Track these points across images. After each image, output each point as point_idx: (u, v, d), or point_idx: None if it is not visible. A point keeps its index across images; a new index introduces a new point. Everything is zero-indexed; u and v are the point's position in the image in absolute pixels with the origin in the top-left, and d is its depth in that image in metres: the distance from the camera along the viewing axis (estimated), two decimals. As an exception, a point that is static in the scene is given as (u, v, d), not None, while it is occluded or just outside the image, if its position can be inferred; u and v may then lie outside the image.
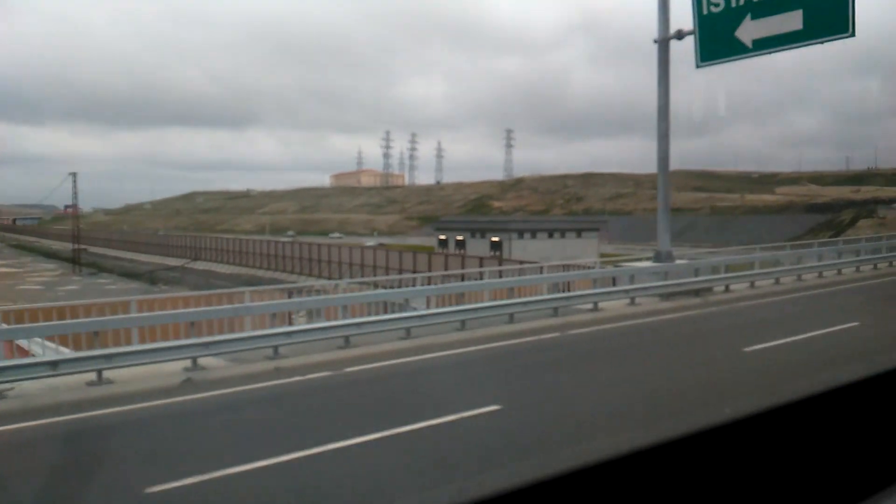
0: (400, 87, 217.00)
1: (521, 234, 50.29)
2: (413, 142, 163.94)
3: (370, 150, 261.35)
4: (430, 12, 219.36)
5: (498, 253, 44.52)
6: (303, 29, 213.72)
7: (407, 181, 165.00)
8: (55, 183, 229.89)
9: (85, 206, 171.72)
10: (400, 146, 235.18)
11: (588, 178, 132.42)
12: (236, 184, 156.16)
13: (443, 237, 60.33)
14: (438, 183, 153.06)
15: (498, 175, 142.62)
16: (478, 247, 50.22)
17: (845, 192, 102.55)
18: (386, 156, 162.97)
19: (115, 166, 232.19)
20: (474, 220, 70.86)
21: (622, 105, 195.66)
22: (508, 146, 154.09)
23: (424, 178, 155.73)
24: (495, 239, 49.40)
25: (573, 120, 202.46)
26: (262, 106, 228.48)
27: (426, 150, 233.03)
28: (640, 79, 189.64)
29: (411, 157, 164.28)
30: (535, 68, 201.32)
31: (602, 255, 38.81)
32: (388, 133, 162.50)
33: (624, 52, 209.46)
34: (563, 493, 0.86)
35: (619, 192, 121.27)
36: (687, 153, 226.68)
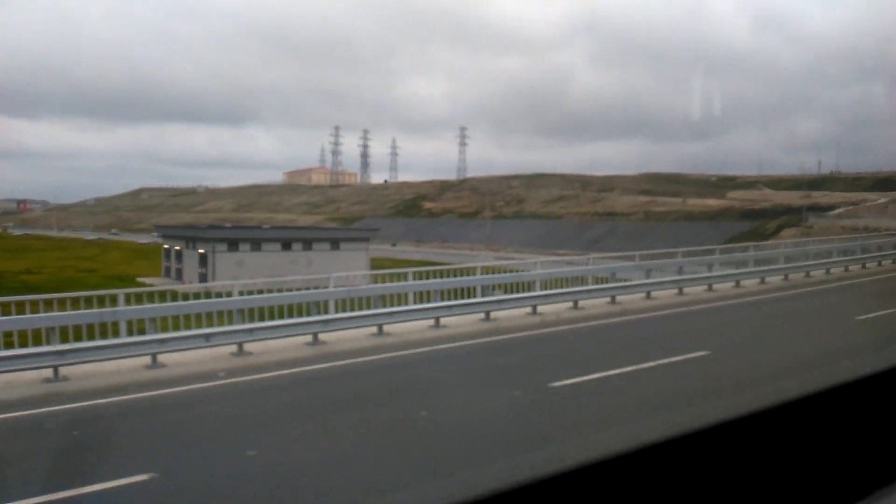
0: (401, 85, 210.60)
1: (256, 244, 41.30)
2: (365, 139, 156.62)
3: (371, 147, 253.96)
4: (432, 11, 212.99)
5: (203, 270, 36.29)
6: (303, 26, 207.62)
7: (359, 179, 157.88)
8: (52, 178, 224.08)
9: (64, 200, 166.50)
10: (381, 145, 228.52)
11: (534, 180, 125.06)
12: (233, 181, 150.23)
13: (167, 245, 48.66)
14: (386, 182, 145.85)
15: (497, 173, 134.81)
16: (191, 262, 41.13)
17: (794, 197, 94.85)
18: (335, 153, 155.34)
19: (114, 161, 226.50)
20: (211, 227, 58.57)
21: (624, 107, 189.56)
22: (462, 144, 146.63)
23: (399, 176, 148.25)
24: (202, 251, 39.42)
25: (575, 121, 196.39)
26: (261, 103, 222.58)
27: (414, 148, 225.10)
28: (643, 80, 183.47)
29: (362, 156, 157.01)
30: (537, 68, 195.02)
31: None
32: (336, 129, 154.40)
33: (627, 54, 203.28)
34: (560, 492, 0.85)
35: (563, 193, 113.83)
36: (686, 156, 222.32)
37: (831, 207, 76.02)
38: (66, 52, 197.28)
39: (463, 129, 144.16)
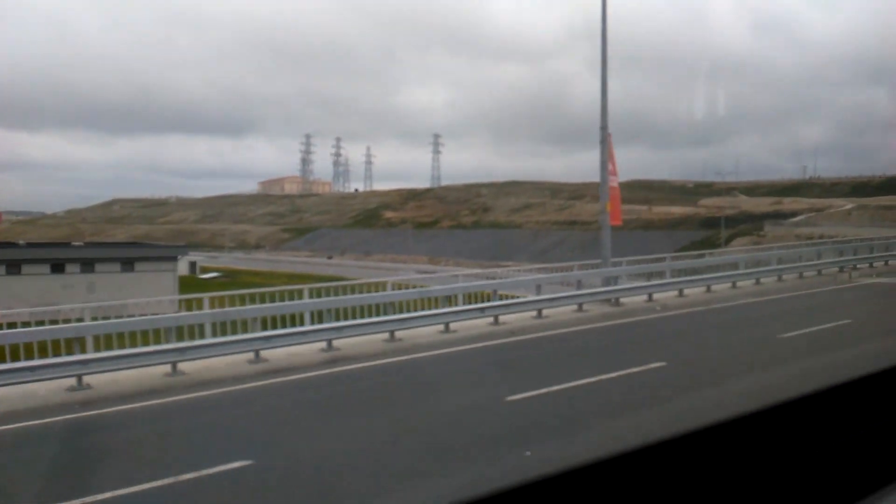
0: (401, 95, 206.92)
1: (14, 266, 34.30)
2: (337, 146, 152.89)
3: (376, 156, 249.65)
4: (431, 20, 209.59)
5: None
6: (303, 36, 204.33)
7: (333, 188, 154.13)
8: (54, 189, 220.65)
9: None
10: (381, 153, 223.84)
11: (505, 188, 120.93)
12: (232, 191, 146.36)
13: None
14: (357, 191, 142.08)
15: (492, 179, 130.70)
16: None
17: (765, 203, 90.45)
18: (305, 162, 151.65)
19: (115, 173, 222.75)
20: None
21: (625, 113, 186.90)
22: (436, 152, 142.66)
23: (377, 185, 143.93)
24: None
25: (576, 128, 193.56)
26: (261, 113, 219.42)
27: (414, 157, 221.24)
28: (644, 86, 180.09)
29: (335, 164, 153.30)
30: (537, 76, 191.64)
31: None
32: (307, 137, 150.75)
33: (627, 60, 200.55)
34: (559, 493, 0.86)
35: (530, 201, 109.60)
36: (687, 163, 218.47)
37: (794, 214, 71.51)
38: (65, 63, 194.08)
39: (436, 136, 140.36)
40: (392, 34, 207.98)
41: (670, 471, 0.96)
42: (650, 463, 0.94)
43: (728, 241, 61.60)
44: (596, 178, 21.04)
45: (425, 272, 47.32)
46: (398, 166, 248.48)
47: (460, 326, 14.82)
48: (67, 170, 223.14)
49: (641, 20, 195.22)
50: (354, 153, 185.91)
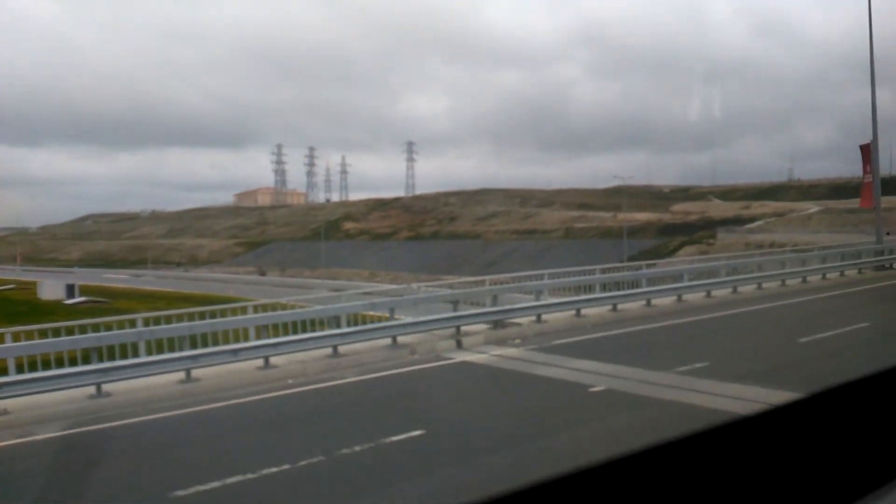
0: (400, 103, 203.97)
1: None
2: (311, 156, 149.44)
3: (372, 167, 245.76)
4: (429, 27, 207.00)
5: None
6: (301, 46, 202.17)
7: (309, 198, 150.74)
8: (55, 205, 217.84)
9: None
10: (380, 162, 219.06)
11: (474, 196, 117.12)
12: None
13: None
14: (328, 201, 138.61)
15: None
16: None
17: (734, 208, 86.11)
18: (277, 172, 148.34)
19: (117, 188, 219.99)
20: None
21: (626, 118, 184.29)
22: (409, 160, 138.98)
23: (361, 195, 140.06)
24: None
25: (576, 134, 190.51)
26: (261, 124, 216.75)
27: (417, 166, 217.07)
28: (644, 91, 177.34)
29: (308, 174, 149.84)
30: (536, 82, 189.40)
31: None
32: (279, 147, 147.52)
33: (627, 64, 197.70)
34: (560, 497, 0.86)
35: (496, 210, 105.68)
36: (688, 167, 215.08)
37: (753, 219, 67.34)
38: (65, 78, 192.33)
39: (410, 143, 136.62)
40: (390, 42, 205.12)
41: (669, 475, 0.96)
42: (648, 467, 0.94)
43: (676, 249, 57.49)
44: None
45: (337, 290, 43.47)
46: (398, 175, 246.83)
47: (288, 360, 12.68)
48: (71, 184, 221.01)
49: (641, 24, 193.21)
50: (347, 162, 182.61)
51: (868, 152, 22.85)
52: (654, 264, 30.79)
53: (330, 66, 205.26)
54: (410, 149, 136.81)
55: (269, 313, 14.25)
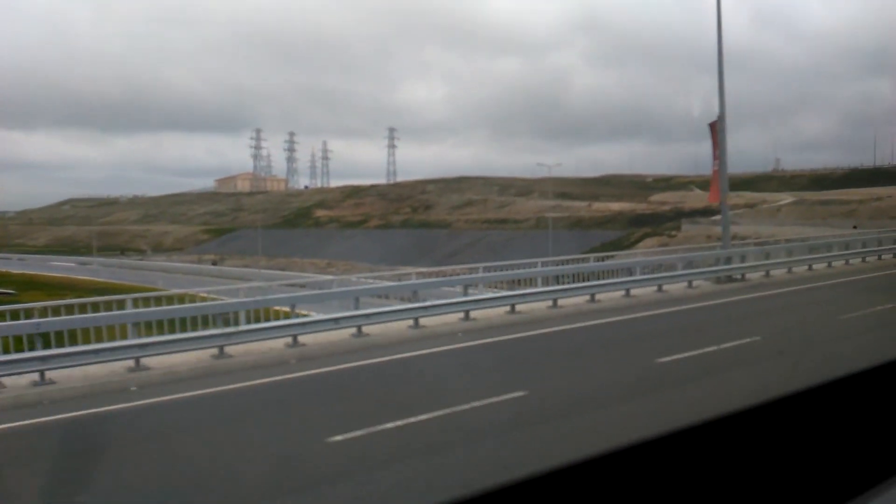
0: (398, 90, 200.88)
1: None
2: (291, 141, 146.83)
3: (372, 155, 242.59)
4: (427, 14, 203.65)
5: None
6: (298, 32, 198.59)
7: (289, 185, 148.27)
8: (50, 190, 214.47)
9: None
10: (375, 149, 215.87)
11: (453, 184, 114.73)
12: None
13: None
14: (306, 187, 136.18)
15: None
16: None
17: (705, 198, 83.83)
18: (256, 157, 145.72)
19: (113, 172, 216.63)
20: None
21: (625, 107, 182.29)
22: (391, 146, 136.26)
23: (343, 181, 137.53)
24: None
25: (575, 122, 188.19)
26: (257, 110, 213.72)
27: (413, 153, 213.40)
28: (644, 80, 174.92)
29: (288, 160, 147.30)
30: (535, 70, 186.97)
31: None
32: (257, 132, 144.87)
33: (626, 53, 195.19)
34: (557, 489, 0.86)
35: (472, 198, 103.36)
36: (687, 157, 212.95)
37: (715, 212, 65.06)
38: (59, 62, 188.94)
39: (392, 129, 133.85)
40: (388, 28, 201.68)
41: (667, 468, 0.95)
42: (647, 460, 0.93)
43: (638, 241, 55.30)
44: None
45: (270, 280, 41.35)
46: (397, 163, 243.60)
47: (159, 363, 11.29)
48: (66, 169, 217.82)
49: (640, 12, 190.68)
50: (339, 149, 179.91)
51: (715, 133, 18.79)
52: (613, 256, 28.90)
53: (328, 52, 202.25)
54: (392, 135, 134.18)
55: (141, 310, 12.72)
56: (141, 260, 73.64)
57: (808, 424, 1.15)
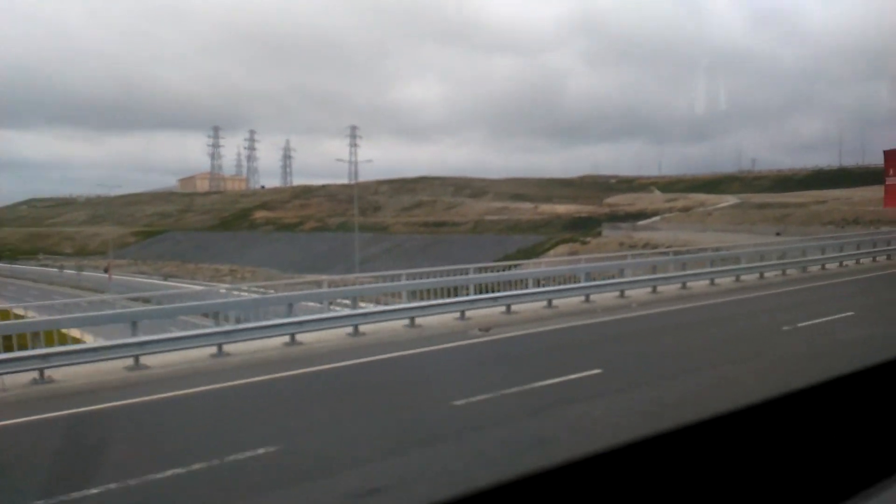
0: (394, 90, 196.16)
1: None
2: (251, 139, 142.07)
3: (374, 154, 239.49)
4: (425, 13, 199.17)
5: None
6: (293, 29, 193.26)
7: (250, 184, 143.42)
8: (44, 187, 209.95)
9: None
10: (372, 149, 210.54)
11: (408, 184, 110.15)
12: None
13: None
14: (262, 187, 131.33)
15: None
16: None
17: (659, 201, 78.80)
18: (214, 156, 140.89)
19: (107, 171, 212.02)
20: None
21: (623, 108, 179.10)
22: (353, 145, 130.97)
23: (306, 181, 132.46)
24: None
25: (573, 123, 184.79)
26: (252, 110, 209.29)
27: (409, 153, 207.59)
28: (642, 80, 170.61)
29: (249, 159, 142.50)
30: (533, 70, 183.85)
31: None
32: (215, 130, 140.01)
33: (624, 53, 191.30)
34: (556, 487, 0.85)
35: (422, 200, 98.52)
36: (684, 157, 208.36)
37: (653, 214, 60.09)
38: (52, 60, 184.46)
39: (354, 128, 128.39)
40: (384, 27, 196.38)
41: (666, 466, 0.95)
42: (645, 459, 0.92)
43: (551, 248, 50.27)
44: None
45: (148, 290, 36.62)
46: (390, 163, 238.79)
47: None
48: (60, 168, 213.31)
49: (638, 13, 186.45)
50: (334, 148, 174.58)
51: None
52: (519, 265, 24.50)
53: (323, 51, 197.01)
54: (353, 133, 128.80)
55: None
56: (41, 266, 68.92)
57: (807, 423, 1.14)
